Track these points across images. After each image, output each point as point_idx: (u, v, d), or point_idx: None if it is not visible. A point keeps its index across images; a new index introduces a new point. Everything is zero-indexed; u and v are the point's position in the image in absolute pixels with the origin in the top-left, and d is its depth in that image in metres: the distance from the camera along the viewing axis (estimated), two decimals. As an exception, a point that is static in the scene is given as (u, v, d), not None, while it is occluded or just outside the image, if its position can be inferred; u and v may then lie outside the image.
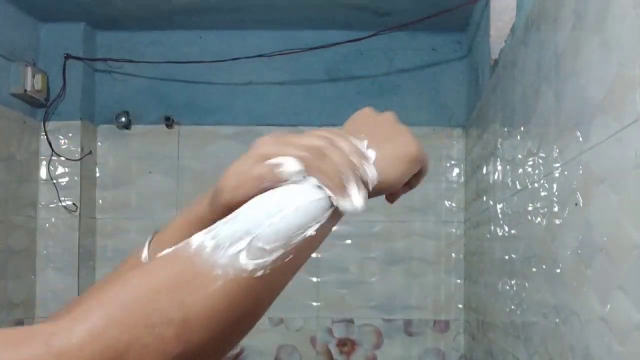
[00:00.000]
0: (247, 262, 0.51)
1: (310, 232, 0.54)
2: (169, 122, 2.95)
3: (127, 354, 0.45)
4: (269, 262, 0.52)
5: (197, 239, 0.52)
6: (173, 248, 0.52)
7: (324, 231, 0.56)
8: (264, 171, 0.56)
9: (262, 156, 0.58)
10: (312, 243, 0.55)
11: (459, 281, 2.91)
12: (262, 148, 0.58)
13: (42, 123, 2.82)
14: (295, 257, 0.54)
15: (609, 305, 0.95)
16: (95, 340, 0.44)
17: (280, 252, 0.52)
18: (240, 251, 0.51)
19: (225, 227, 0.53)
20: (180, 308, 0.48)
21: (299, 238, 0.53)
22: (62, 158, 2.84)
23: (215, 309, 0.49)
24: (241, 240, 0.51)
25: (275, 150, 0.57)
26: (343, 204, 0.56)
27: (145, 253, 0.66)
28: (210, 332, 0.49)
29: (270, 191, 0.56)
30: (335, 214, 0.57)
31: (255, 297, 0.52)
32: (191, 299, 0.48)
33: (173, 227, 0.67)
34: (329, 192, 0.55)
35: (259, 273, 0.51)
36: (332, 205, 0.56)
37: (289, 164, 0.56)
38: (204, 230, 0.53)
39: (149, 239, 0.68)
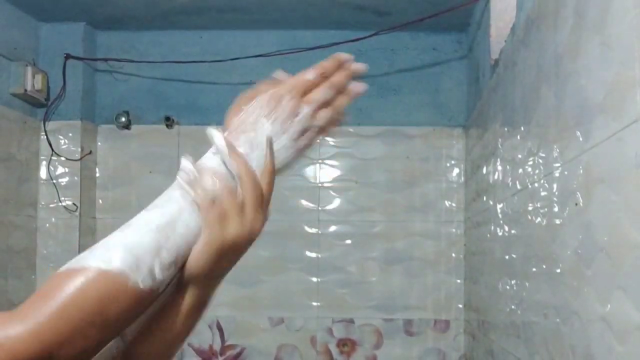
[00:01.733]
0: (159, 276, 0.65)
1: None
2: (169, 122, 2.95)
3: (59, 350, 0.60)
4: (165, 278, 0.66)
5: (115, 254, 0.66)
6: (97, 265, 0.65)
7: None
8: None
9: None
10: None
11: (459, 281, 2.91)
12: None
13: (42, 123, 2.82)
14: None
15: (609, 305, 0.95)
16: (35, 339, 0.59)
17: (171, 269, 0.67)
18: (153, 268, 0.65)
19: (138, 239, 0.66)
20: (101, 314, 0.63)
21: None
22: (62, 158, 2.84)
23: (128, 313, 0.65)
24: (156, 256, 0.66)
25: None
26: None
27: None
28: (121, 328, 0.66)
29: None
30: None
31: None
32: (109, 309, 0.63)
33: None
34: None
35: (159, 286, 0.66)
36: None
37: None
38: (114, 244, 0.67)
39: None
